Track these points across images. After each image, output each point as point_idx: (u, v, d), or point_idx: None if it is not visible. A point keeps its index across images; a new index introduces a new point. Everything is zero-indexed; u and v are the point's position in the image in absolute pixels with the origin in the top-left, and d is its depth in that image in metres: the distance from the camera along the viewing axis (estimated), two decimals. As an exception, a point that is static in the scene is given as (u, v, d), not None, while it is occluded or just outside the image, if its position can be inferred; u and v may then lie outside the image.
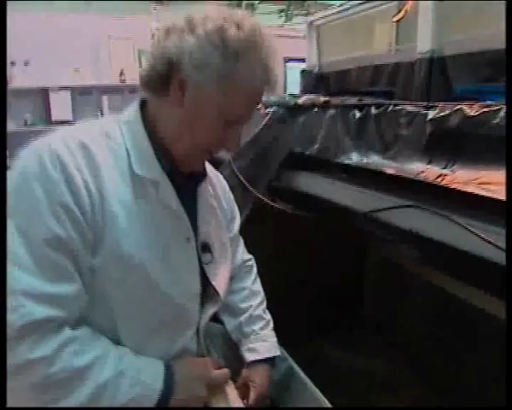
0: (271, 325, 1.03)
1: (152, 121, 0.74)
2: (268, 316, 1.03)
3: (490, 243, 0.60)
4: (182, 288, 0.75)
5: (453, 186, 0.68)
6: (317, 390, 1.00)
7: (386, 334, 1.81)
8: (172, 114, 0.71)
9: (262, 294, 1.06)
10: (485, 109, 0.68)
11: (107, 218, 0.65)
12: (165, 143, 0.73)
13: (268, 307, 1.07)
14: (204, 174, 0.83)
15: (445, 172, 0.71)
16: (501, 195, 0.59)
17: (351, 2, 3.18)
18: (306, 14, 5.09)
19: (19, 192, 0.62)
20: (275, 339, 1.01)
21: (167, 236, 0.72)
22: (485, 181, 0.63)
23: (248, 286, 1.03)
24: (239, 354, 0.98)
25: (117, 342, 0.70)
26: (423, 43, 2.65)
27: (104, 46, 4.39)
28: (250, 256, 1.10)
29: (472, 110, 0.70)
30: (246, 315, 0.99)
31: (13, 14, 4.13)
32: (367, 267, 1.90)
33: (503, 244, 0.56)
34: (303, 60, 4.30)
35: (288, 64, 5.80)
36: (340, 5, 3.37)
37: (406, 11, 2.88)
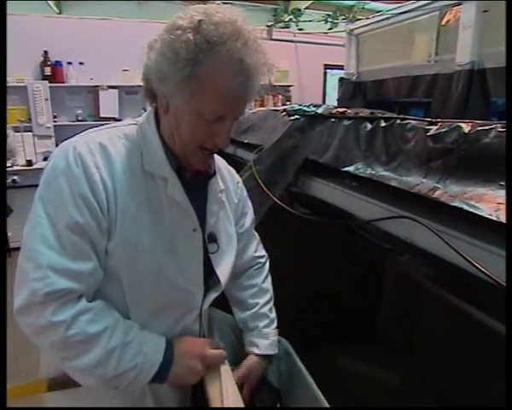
0: (275, 323, 1.08)
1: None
2: (273, 315, 1.08)
3: (462, 255, 0.63)
4: (186, 274, 0.83)
5: (442, 199, 0.71)
6: (317, 388, 1.04)
7: (399, 349, 1.80)
8: (165, 120, 0.79)
9: (271, 292, 1.11)
10: (479, 128, 0.71)
11: (119, 208, 0.74)
12: (170, 144, 0.81)
13: (280, 308, 1.09)
14: (214, 171, 0.90)
15: (437, 185, 0.74)
16: (480, 211, 0.62)
17: (391, 12, 3.16)
18: (352, 22, 5.08)
19: (49, 184, 0.74)
20: (275, 338, 1.06)
21: (174, 226, 0.81)
22: (471, 196, 0.66)
23: (258, 284, 1.08)
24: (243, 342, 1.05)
25: (127, 316, 0.79)
26: (463, 55, 2.58)
27: (152, 49, 4.64)
28: (264, 253, 1.14)
29: (467, 127, 0.73)
30: (252, 311, 1.05)
31: (71, 19, 4.49)
32: (384, 281, 1.89)
33: (472, 256, 0.59)
34: (342, 67, 4.30)
35: (332, 71, 5.81)
36: (381, 14, 3.36)
37: (449, 20, 2.81)
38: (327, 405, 0.99)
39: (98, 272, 0.75)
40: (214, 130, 0.75)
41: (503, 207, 0.60)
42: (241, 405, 0.81)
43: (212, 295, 0.91)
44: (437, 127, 0.81)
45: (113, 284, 0.78)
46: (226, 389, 0.82)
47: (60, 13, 6.17)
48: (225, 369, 0.87)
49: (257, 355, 1.01)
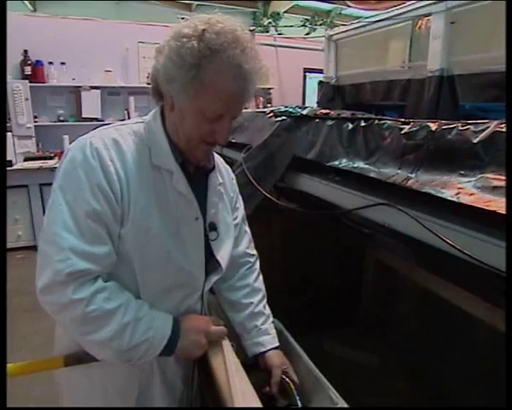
0: (271, 318, 1.12)
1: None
2: (268, 311, 1.13)
3: (433, 233, 0.75)
4: (190, 258, 0.92)
5: (414, 187, 0.83)
6: (311, 362, 1.12)
7: (380, 333, 1.93)
8: (171, 116, 0.88)
9: (263, 290, 1.15)
10: (444, 127, 0.84)
11: (131, 198, 0.83)
12: (174, 140, 0.90)
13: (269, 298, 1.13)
14: (213, 166, 1.00)
15: (410, 175, 0.87)
16: (444, 195, 0.74)
17: (367, 20, 3.33)
18: (330, 27, 5.26)
19: (68, 175, 0.82)
20: (274, 331, 1.10)
21: (179, 214, 0.90)
22: (437, 184, 0.79)
23: (250, 284, 1.12)
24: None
25: (137, 296, 0.88)
26: (433, 62, 2.78)
27: (134, 51, 4.67)
28: (255, 253, 1.18)
29: (434, 126, 0.86)
30: (248, 311, 1.09)
31: (52, 18, 4.45)
32: (364, 268, 2.03)
33: (439, 232, 0.71)
34: (321, 71, 4.47)
35: (311, 74, 5.99)
36: (358, 21, 3.54)
37: (420, 27, 3.02)
38: (322, 377, 1.06)
39: (112, 256, 0.83)
40: (215, 127, 0.84)
41: (463, 191, 0.73)
42: (244, 374, 0.90)
43: (213, 278, 1.01)
44: (409, 126, 0.93)
45: (126, 267, 0.86)
46: (229, 360, 0.91)
47: (34, 11, 6.07)
48: (227, 343, 0.97)
49: (264, 352, 1.04)
